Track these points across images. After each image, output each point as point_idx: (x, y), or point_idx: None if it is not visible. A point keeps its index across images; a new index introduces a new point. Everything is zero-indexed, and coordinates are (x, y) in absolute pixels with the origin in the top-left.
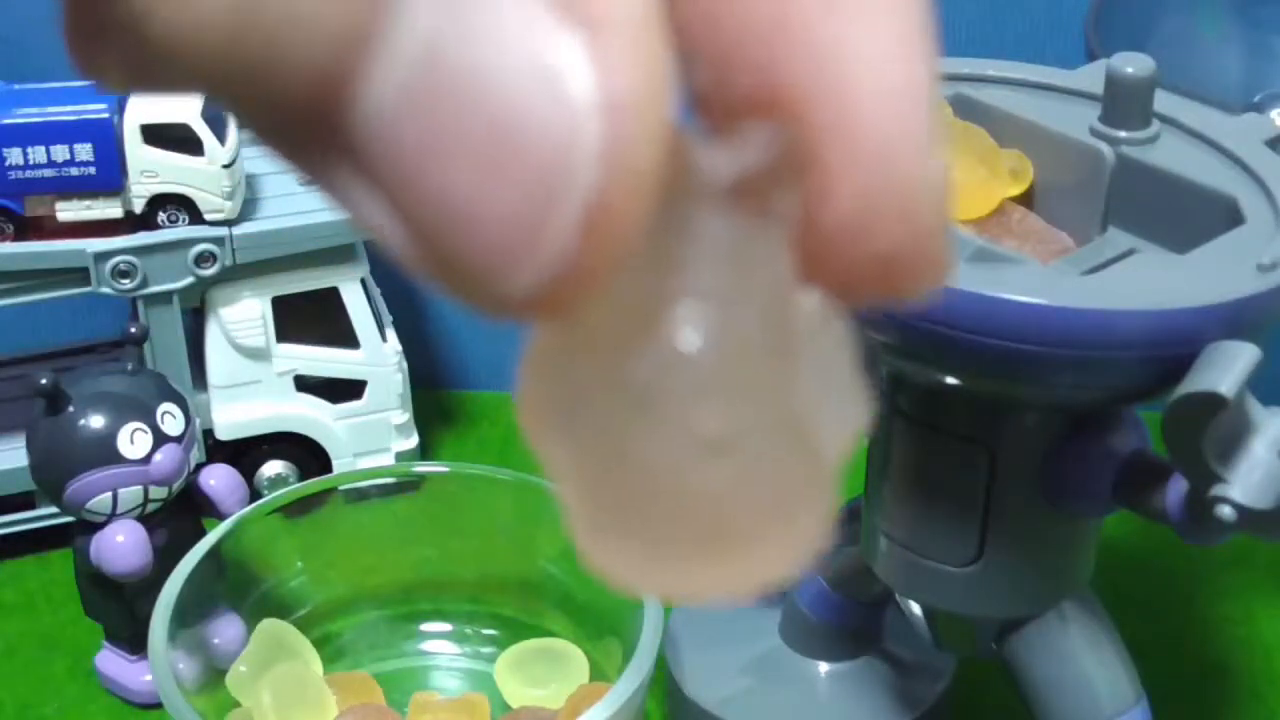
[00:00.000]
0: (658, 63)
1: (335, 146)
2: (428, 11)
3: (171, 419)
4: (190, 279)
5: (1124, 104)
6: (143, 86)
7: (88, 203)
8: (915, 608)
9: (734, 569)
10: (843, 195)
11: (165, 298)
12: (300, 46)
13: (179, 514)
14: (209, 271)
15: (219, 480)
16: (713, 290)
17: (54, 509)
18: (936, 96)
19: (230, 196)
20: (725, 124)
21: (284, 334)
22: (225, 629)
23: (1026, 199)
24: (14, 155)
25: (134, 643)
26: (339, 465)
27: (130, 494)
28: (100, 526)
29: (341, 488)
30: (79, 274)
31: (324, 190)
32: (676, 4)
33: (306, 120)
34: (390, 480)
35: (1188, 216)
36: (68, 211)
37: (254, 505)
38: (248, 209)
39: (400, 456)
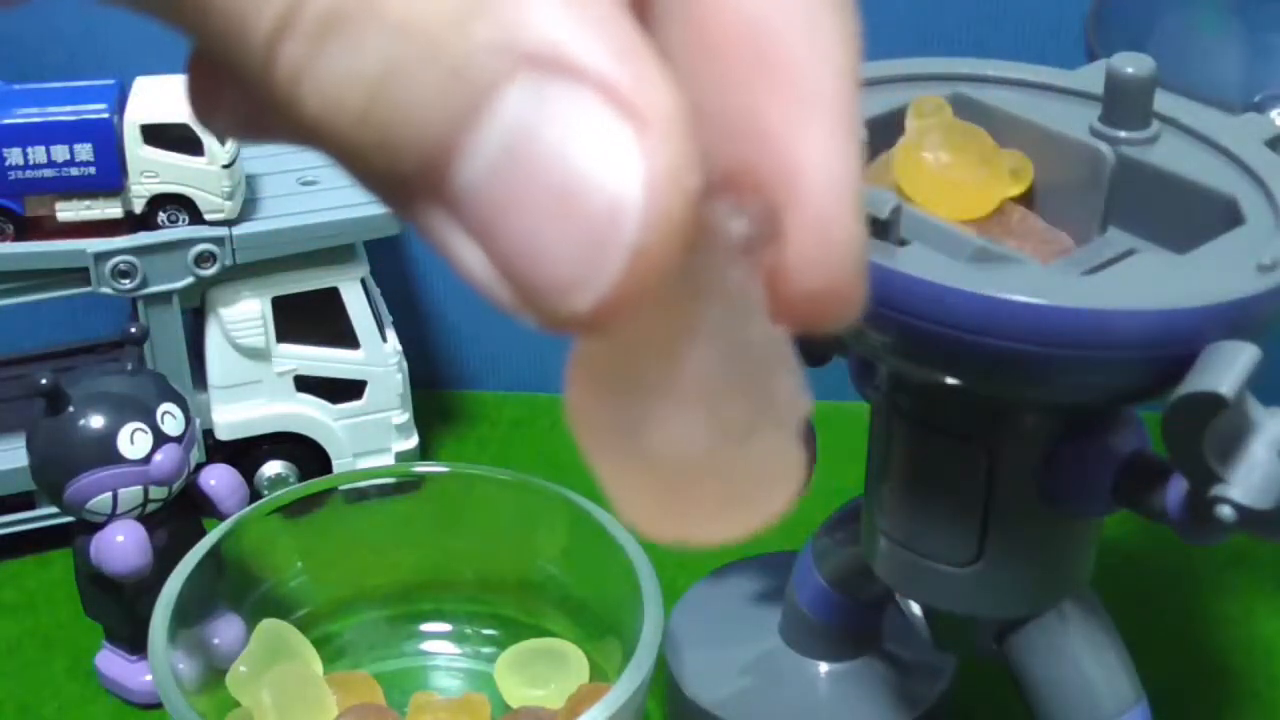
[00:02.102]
0: (686, 150)
1: (433, 199)
2: (515, 100)
3: (171, 419)
4: (190, 279)
5: (1124, 104)
6: (250, 138)
7: (88, 203)
8: (915, 608)
9: (721, 522)
10: (793, 248)
11: (165, 298)
12: (416, 124)
13: (179, 514)
14: (209, 271)
15: (219, 480)
16: (707, 316)
17: (54, 509)
18: (860, 180)
19: (230, 196)
20: (719, 184)
21: (284, 334)
22: (225, 629)
23: (1026, 199)
24: (14, 155)
25: (134, 643)
26: (339, 465)
27: (130, 494)
28: (100, 526)
29: (341, 488)
30: (79, 274)
31: (417, 229)
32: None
33: (411, 180)
34: (390, 480)
35: (1188, 216)
36: (68, 211)
37: (254, 505)
38: (248, 209)
39: (400, 456)
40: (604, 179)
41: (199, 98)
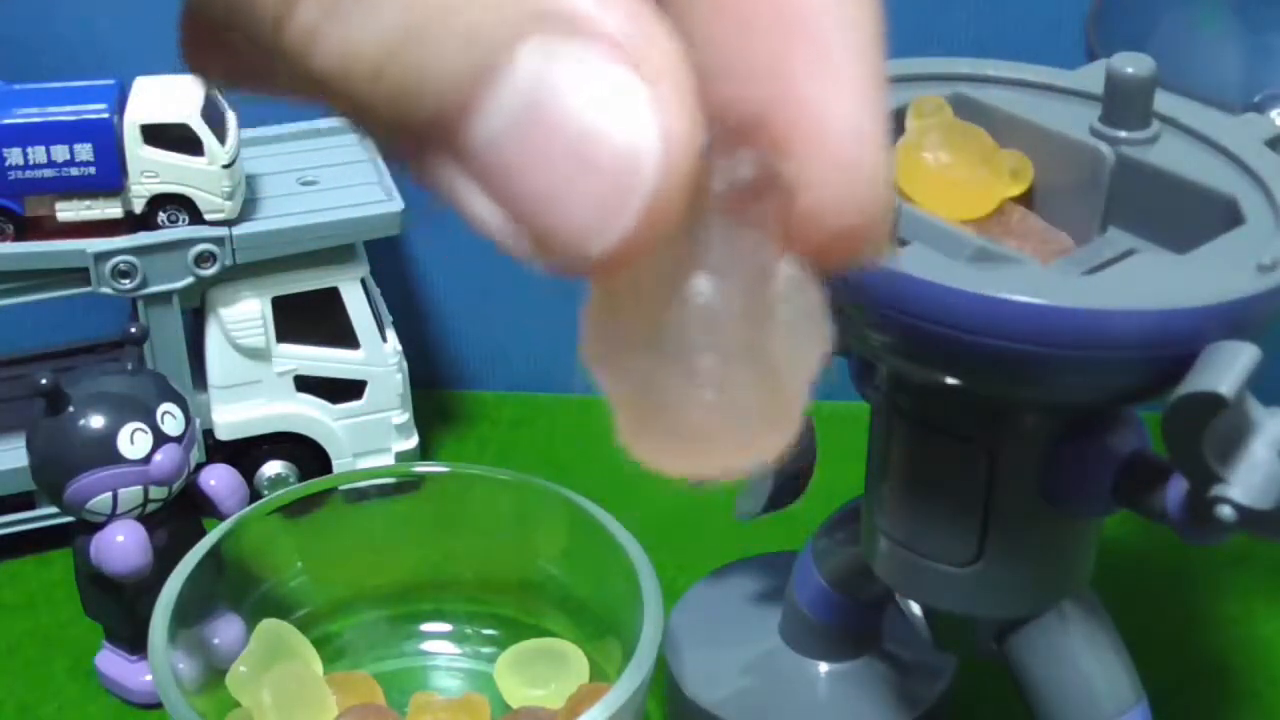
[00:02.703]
0: (693, 102)
1: (446, 153)
2: (530, 59)
3: (171, 419)
4: (190, 279)
5: (1124, 104)
6: (246, 89)
7: (88, 203)
8: (915, 608)
9: (719, 462)
10: (821, 192)
11: (165, 298)
12: (432, 82)
13: (179, 514)
14: (209, 271)
15: (219, 480)
16: (712, 267)
17: (54, 509)
18: (886, 120)
19: (230, 196)
20: (724, 141)
21: (284, 334)
22: (225, 629)
23: (1026, 199)
24: (14, 155)
25: (134, 643)
26: (339, 465)
27: (130, 494)
28: (100, 526)
29: (341, 488)
30: (79, 274)
31: (423, 180)
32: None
33: (424, 135)
34: (390, 480)
35: (1188, 216)
36: (68, 211)
37: (254, 505)
38: (248, 209)
39: (400, 456)
40: (620, 131)
41: (192, 49)
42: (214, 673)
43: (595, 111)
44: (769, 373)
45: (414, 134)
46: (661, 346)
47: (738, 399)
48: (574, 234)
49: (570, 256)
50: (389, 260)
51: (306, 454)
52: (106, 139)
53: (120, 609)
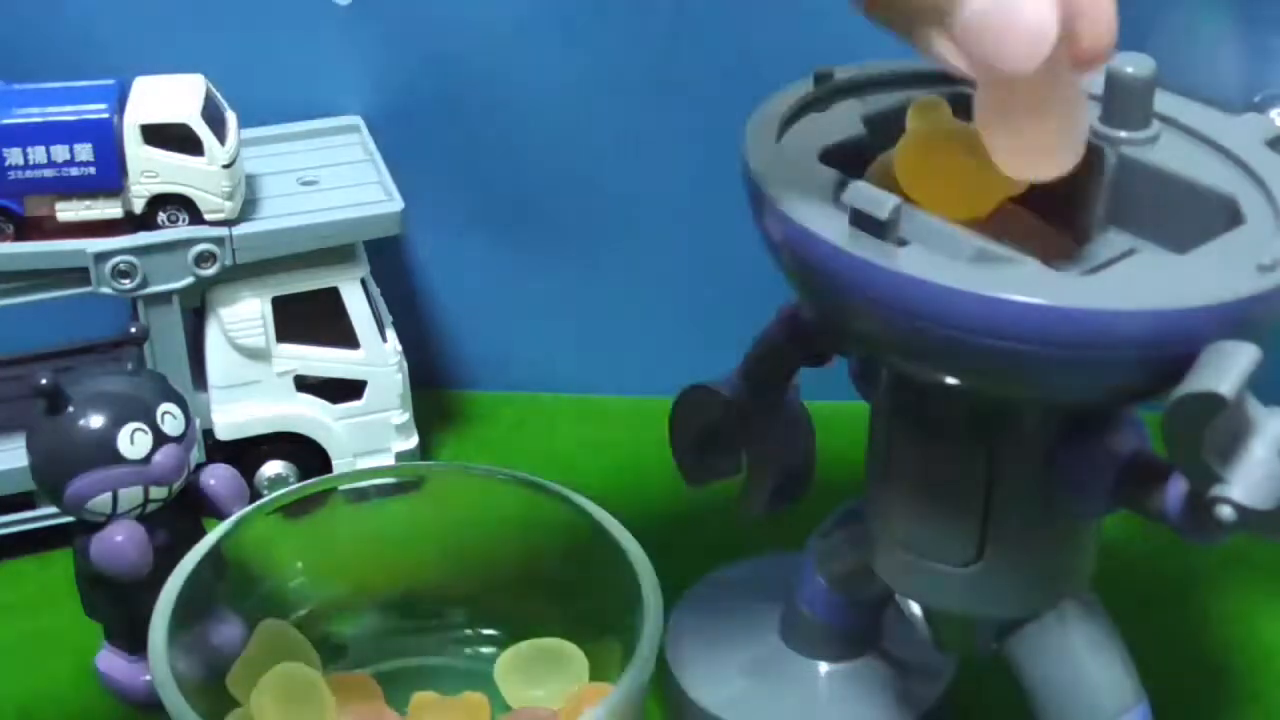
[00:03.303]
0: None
1: (936, 25)
2: None
3: (171, 419)
4: (190, 279)
5: (1124, 104)
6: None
7: (88, 203)
8: (915, 608)
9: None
10: (1085, 38)
11: (165, 298)
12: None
13: (179, 514)
14: (209, 271)
15: (219, 480)
16: (1049, 80)
17: (54, 509)
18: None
19: (230, 196)
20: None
21: (284, 334)
22: (225, 629)
23: (1026, 199)
24: (14, 155)
25: (134, 643)
26: (339, 465)
27: (130, 494)
28: (100, 526)
29: (341, 488)
30: (79, 274)
31: (919, 43)
32: None
33: (923, 13)
34: (390, 480)
35: (1188, 216)
36: (68, 211)
37: (254, 505)
38: (248, 209)
39: (400, 456)
40: (1036, 16)
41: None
42: (214, 673)
43: (1029, 8)
44: (1076, 124)
45: (916, 14)
46: (1034, 110)
47: (1061, 135)
48: (1009, 63)
49: (1013, 65)
50: (389, 260)
51: (306, 454)
52: (106, 139)
53: (120, 609)
